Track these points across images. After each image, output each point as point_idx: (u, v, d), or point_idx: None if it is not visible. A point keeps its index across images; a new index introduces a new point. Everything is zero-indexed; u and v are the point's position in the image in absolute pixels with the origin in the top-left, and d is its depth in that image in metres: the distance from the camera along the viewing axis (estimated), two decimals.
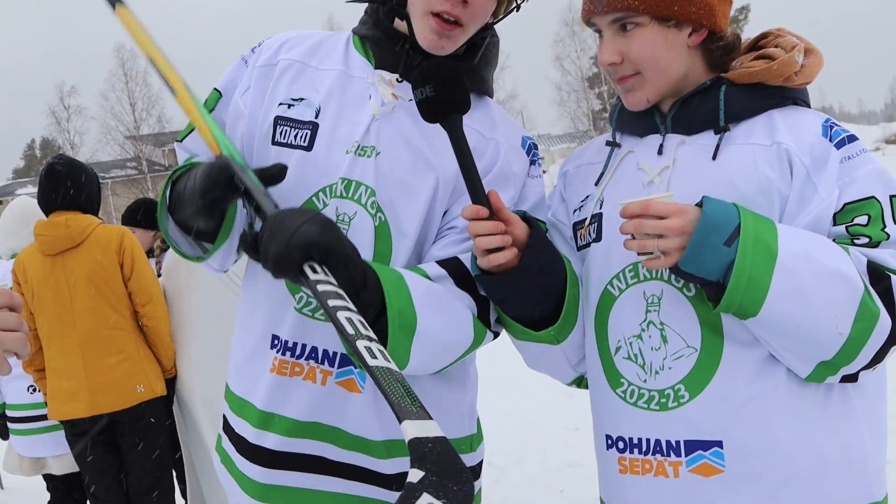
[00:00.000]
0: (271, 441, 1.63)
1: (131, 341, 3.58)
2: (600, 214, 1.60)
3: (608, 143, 1.66)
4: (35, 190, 3.94)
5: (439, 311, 1.50)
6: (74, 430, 3.60)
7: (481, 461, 1.80)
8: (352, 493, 1.64)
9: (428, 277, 1.54)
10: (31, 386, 4.03)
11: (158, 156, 46.10)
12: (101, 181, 3.86)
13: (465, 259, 1.58)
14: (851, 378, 1.43)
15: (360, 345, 1.16)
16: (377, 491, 1.64)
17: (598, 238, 1.59)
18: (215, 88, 1.77)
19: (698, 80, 1.55)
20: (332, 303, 1.25)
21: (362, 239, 1.57)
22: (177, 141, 1.80)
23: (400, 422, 1.02)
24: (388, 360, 1.14)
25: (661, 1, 1.47)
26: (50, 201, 3.61)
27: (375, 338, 1.19)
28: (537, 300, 1.55)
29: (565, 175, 1.75)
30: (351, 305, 1.26)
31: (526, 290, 1.52)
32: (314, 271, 1.30)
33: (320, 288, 1.27)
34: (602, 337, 1.57)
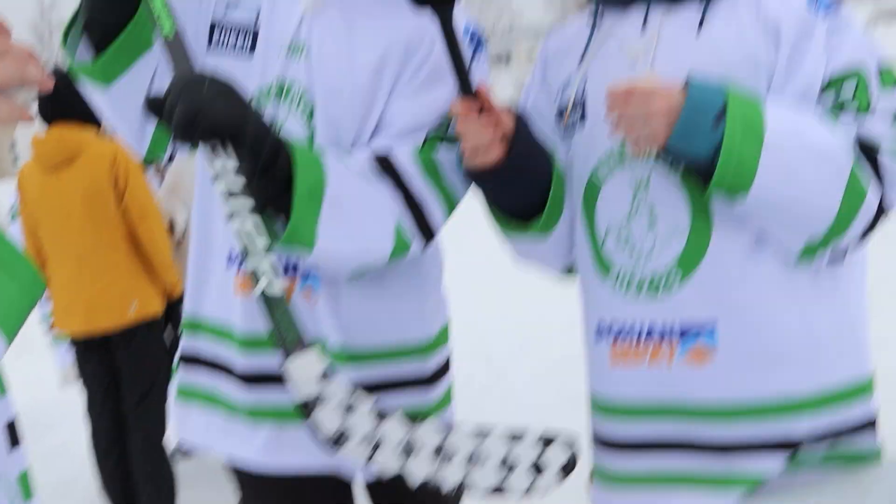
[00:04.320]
0: (258, 362, 1.58)
1: (126, 259, 3.53)
2: (584, 95, 1.55)
3: (589, 18, 1.59)
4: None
5: (356, 191, 1.44)
6: (75, 346, 3.65)
7: (445, 362, 1.75)
8: None
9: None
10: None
11: None
12: None
13: (402, 154, 1.50)
14: (838, 256, 1.42)
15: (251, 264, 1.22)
16: None
17: (583, 120, 1.55)
18: None
19: None
20: (231, 205, 1.25)
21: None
22: None
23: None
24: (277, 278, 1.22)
25: None
26: (46, 113, 3.54)
27: (268, 253, 1.24)
28: (526, 192, 1.52)
29: (545, 58, 1.69)
30: (247, 204, 1.26)
31: (514, 183, 1.49)
32: (216, 153, 1.29)
33: (219, 186, 1.27)
34: (590, 223, 1.54)
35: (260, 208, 1.32)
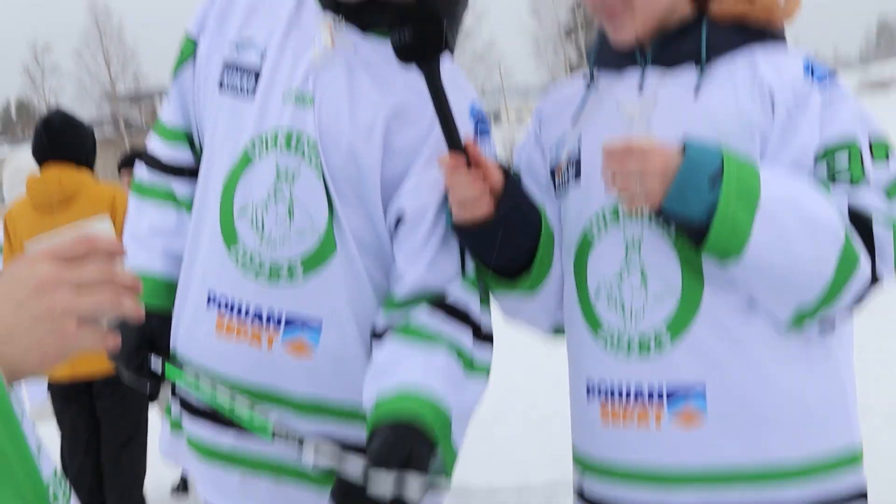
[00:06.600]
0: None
1: None
2: (579, 153, 1.55)
3: (585, 79, 1.60)
4: (10, 151, 3.88)
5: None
6: (54, 390, 3.60)
7: None
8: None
9: (431, 336, 1.47)
10: None
11: (135, 116, 46.20)
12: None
13: (452, 288, 1.51)
14: (828, 325, 1.42)
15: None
16: None
17: (577, 178, 1.54)
18: (187, 36, 1.66)
19: (681, 15, 1.49)
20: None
21: (313, 197, 1.49)
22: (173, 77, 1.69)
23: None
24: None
25: None
26: (44, 154, 3.54)
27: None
28: (514, 249, 1.50)
29: (540, 116, 1.70)
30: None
31: (503, 239, 1.47)
32: None
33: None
34: (581, 280, 1.53)
35: None
